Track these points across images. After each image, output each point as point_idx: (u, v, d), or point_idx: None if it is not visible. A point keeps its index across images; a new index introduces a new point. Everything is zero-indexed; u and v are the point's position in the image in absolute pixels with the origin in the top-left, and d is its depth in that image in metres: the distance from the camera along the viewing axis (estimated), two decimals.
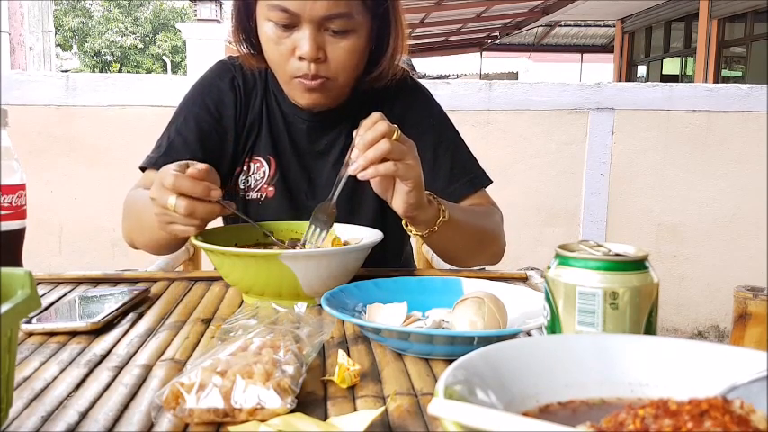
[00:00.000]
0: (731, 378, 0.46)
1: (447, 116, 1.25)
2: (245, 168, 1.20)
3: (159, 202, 0.86)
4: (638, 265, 0.59)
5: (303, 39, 1.02)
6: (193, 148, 1.13)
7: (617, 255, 0.60)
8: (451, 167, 1.19)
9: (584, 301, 0.59)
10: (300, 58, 1.03)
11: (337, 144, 1.19)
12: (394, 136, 0.87)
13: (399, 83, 1.22)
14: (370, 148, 0.86)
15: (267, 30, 1.05)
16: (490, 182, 1.23)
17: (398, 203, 0.92)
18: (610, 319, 0.58)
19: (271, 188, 1.18)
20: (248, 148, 1.19)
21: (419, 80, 1.30)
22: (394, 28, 1.11)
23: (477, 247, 1.15)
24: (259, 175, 1.19)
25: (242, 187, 1.20)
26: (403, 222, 1.00)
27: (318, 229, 0.97)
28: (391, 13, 1.10)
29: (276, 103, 1.20)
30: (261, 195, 1.19)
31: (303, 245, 0.98)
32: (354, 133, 0.91)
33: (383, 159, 0.87)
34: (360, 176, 0.88)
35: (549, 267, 0.62)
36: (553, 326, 0.61)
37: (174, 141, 1.15)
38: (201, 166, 0.87)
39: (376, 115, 0.89)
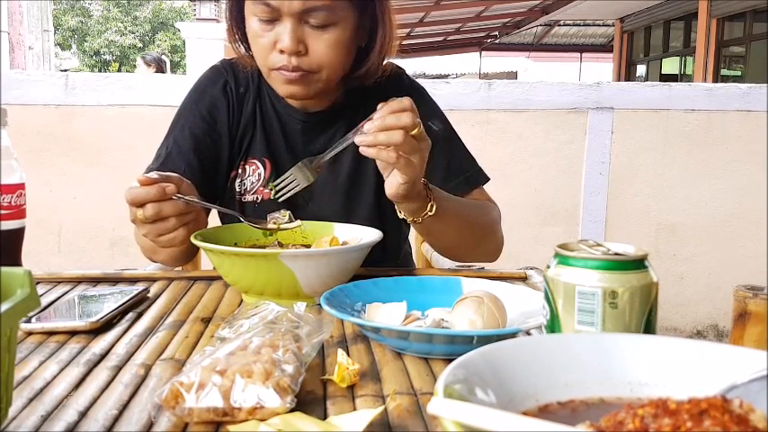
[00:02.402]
0: (730, 377, 0.46)
1: (443, 114, 1.25)
2: (240, 171, 1.20)
3: (137, 222, 0.87)
4: (638, 264, 0.59)
5: (284, 32, 1.03)
6: (188, 157, 1.14)
7: (616, 254, 0.60)
8: (448, 166, 1.19)
9: (583, 300, 0.59)
10: (281, 51, 1.04)
11: (332, 144, 1.19)
12: (414, 131, 0.88)
13: (395, 81, 1.21)
14: (386, 131, 0.87)
15: (252, 25, 1.06)
16: (487, 179, 1.23)
17: (388, 186, 0.94)
18: (609, 318, 0.58)
19: (266, 190, 1.18)
20: (243, 151, 1.20)
21: (416, 79, 1.30)
22: (381, 24, 1.12)
23: (472, 240, 1.15)
24: (255, 177, 1.19)
25: (238, 190, 1.20)
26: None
27: (295, 180, 1.02)
28: (378, 8, 1.11)
29: (270, 104, 1.20)
30: (257, 198, 1.19)
31: (272, 188, 1.02)
32: (381, 105, 0.90)
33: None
34: (361, 150, 0.89)
35: (548, 267, 0.62)
36: (552, 325, 0.61)
37: (171, 151, 1.16)
38: (153, 174, 0.88)
39: (407, 102, 0.90)
